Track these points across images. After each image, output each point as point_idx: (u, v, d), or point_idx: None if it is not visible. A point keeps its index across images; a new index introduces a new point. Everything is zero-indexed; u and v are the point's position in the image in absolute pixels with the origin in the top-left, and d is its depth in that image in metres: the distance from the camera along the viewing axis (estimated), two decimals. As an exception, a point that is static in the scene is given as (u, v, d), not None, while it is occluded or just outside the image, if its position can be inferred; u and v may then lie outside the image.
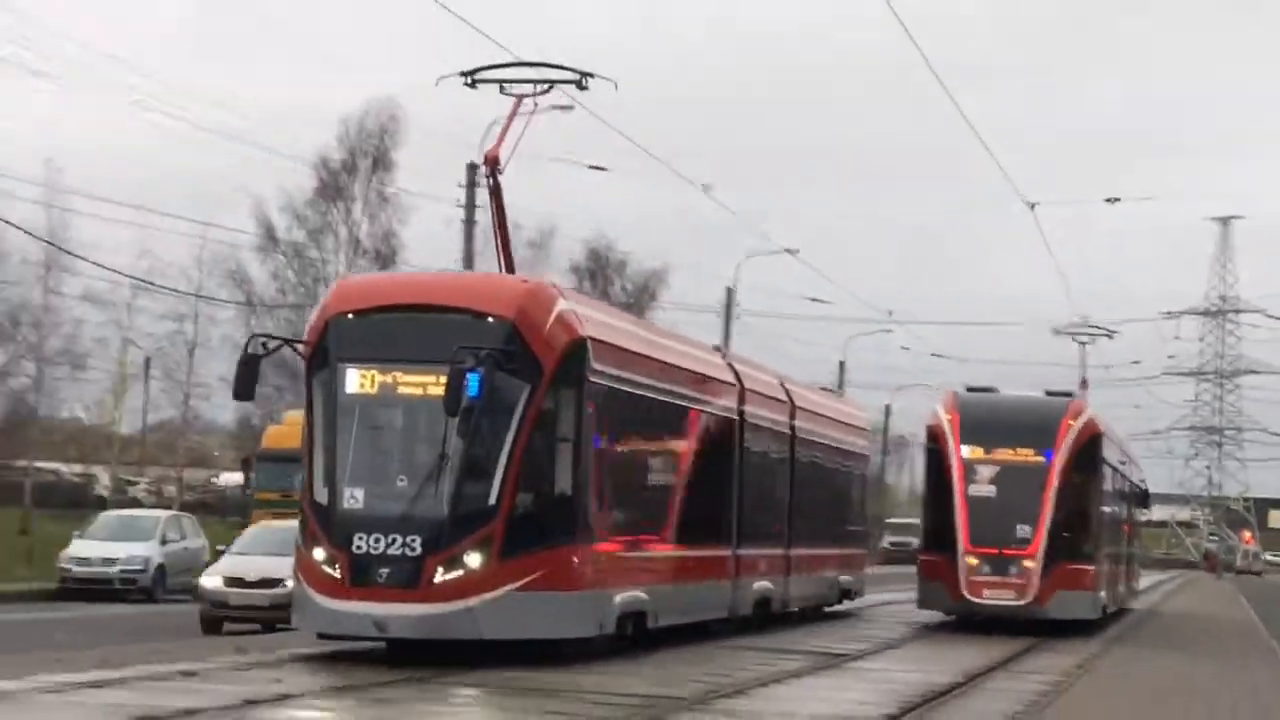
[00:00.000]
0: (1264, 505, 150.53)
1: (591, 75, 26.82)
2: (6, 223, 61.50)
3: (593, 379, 23.66)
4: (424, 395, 22.37)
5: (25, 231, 62.38)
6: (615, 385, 24.63)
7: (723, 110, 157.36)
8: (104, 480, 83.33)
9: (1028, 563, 37.07)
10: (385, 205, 68.85)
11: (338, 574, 22.17)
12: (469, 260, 48.82)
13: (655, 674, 23.64)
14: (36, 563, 49.49)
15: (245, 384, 24.17)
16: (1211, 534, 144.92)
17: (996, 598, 37.00)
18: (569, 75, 26.74)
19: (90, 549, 44.91)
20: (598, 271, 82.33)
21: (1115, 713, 22.96)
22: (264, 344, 24.80)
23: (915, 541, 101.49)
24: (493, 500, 22.12)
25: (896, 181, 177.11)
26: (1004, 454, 38.30)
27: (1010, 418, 39.75)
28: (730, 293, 69.40)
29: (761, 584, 32.67)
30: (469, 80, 26.52)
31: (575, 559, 23.13)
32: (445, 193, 54.74)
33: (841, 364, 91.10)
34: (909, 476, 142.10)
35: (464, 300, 23.27)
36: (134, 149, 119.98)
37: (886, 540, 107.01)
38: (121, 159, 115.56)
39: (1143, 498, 57.72)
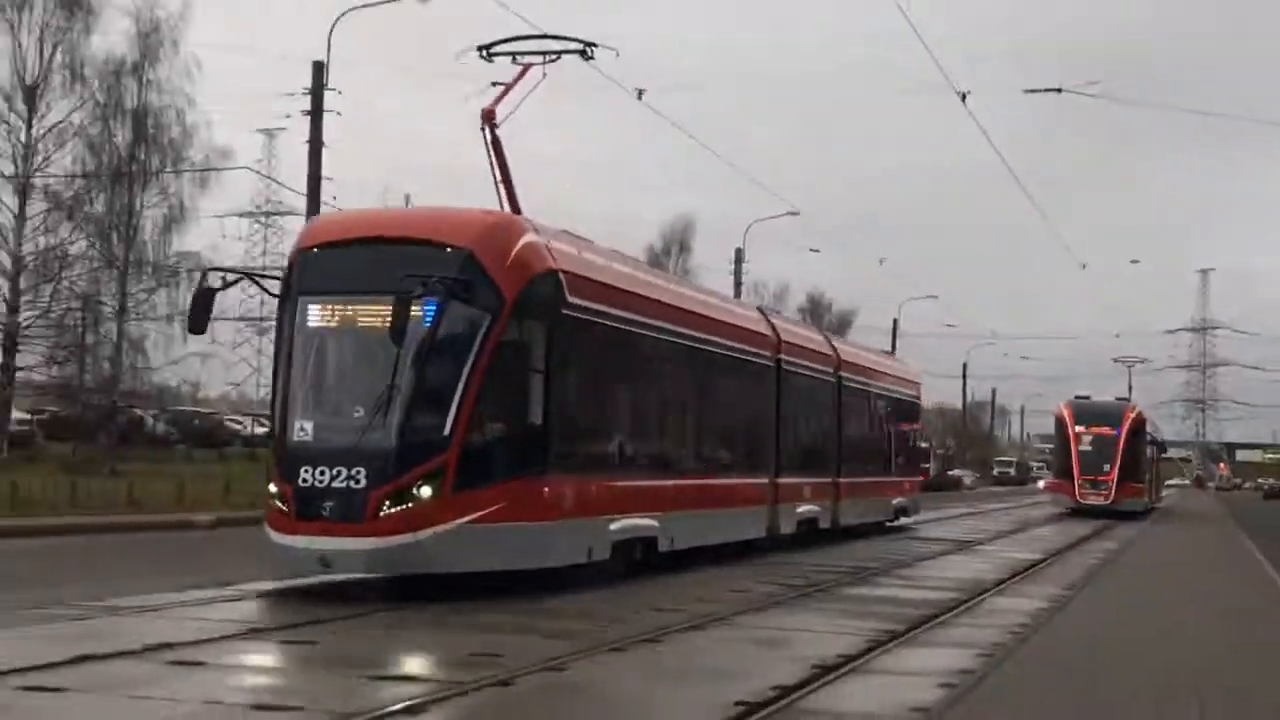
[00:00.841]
0: (1232, 448, 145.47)
1: (595, 45, 18.50)
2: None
3: (567, 311, 15.32)
4: (378, 326, 13.95)
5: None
6: (601, 321, 16.19)
7: (889, 209, 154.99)
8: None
9: (1110, 482, 43.22)
10: (687, 275, 68.54)
11: (286, 508, 13.98)
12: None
13: (839, 552, 22.54)
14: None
15: (198, 317, 15.57)
16: (1199, 466, 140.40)
17: (1093, 500, 42.94)
18: (574, 46, 18.26)
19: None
20: (814, 311, 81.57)
21: (1145, 564, 23.13)
22: (223, 278, 15.96)
23: (1012, 471, 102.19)
24: (446, 431, 13.87)
25: (994, 248, 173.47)
26: (1096, 429, 44.13)
27: (1098, 410, 45.65)
28: (895, 322, 68.71)
29: (807, 507, 24.24)
30: (485, 54, 18.16)
31: (546, 490, 14.75)
32: (721, 265, 54.82)
33: (964, 365, 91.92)
34: (1006, 432, 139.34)
35: (423, 232, 14.75)
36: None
37: (995, 470, 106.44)
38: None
39: (1162, 447, 64.76)
